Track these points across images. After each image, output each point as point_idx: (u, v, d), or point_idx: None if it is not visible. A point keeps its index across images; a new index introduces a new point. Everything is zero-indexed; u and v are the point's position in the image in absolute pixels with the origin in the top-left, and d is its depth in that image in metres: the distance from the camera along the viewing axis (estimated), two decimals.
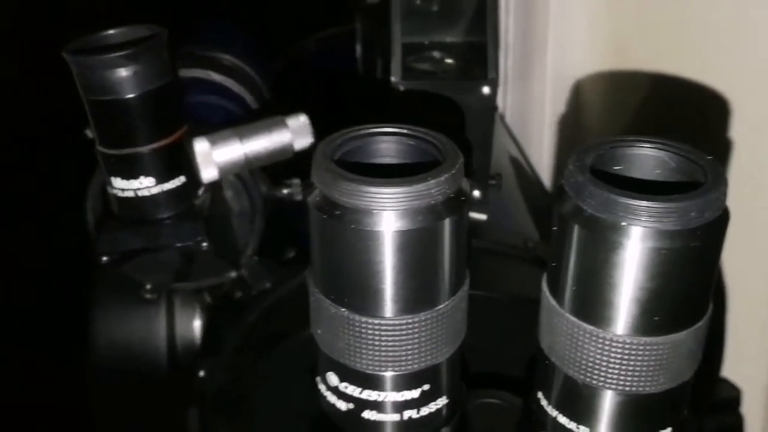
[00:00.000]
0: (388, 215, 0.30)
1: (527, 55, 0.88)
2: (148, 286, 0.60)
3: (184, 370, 0.67)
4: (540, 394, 0.35)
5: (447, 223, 0.31)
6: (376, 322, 0.31)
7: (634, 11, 0.72)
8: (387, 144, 0.33)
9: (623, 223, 0.29)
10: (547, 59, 0.83)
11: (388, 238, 0.30)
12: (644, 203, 0.28)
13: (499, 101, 0.92)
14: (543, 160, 0.85)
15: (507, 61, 0.91)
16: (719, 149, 0.61)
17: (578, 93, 0.81)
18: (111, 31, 0.50)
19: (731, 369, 0.66)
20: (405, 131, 0.33)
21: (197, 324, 0.68)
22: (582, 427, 0.33)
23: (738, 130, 0.62)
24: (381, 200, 0.30)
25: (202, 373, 0.62)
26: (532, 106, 0.87)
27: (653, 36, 0.70)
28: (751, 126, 0.61)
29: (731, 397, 0.66)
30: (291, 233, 0.63)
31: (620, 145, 0.32)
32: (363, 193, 0.30)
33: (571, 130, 0.82)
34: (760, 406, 0.69)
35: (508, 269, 0.57)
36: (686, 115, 0.66)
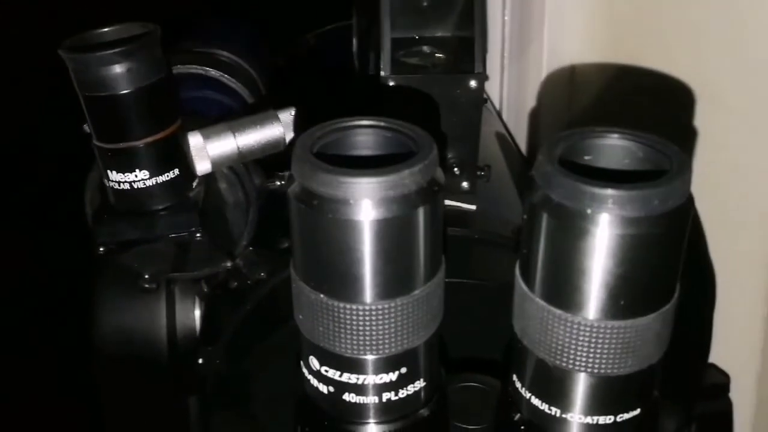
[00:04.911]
0: (364, 204, 0.31)
1: (523, 45, 0.88)
2: (146, 276, 0.62)
3: (185, 357, 0.68)
4: (515, 377, 0.36)
5: (421, 212, 0.32)
6: (354, 307, 0.33)
7: (630, 2, 0.73)
8: (365, 136, 0.35)
9: (589, 211, 0.30)
10: (543, 49, 0.83)
11: (364, 227, 0.31)
12: (609, 191, 0.29)
13: (495, 94, 0.93)
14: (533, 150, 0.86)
15: (504, 52, 0.92)
16: (711, 140, 0.62)
17: (573, 82, 0.82)
18: (106, 29, 0.51)
19: (719, 355, 0.67)
20: (381, 124, 0.34)
21: (196, 313, 0.69)
22: (554, 409, 0.34)
23: (730, 124, 0.63)
24: (357, 190, 0.31)
25: (201, 361, 0.64)
26: (526, 97, 0.88)
27: (649, 27, 0.71)
28: (740, 118, 0.62)
29: (720, 383, 0.67)
30: (285, 224, 0.64)
31: (590, 136, 0.33)
32: (340, 183, 0.31)
33: (567, 118, 0.82)
34: (749, 391, 0.69)
35: (496, 257, 0.58)
36: (680, 109, 0.67)
